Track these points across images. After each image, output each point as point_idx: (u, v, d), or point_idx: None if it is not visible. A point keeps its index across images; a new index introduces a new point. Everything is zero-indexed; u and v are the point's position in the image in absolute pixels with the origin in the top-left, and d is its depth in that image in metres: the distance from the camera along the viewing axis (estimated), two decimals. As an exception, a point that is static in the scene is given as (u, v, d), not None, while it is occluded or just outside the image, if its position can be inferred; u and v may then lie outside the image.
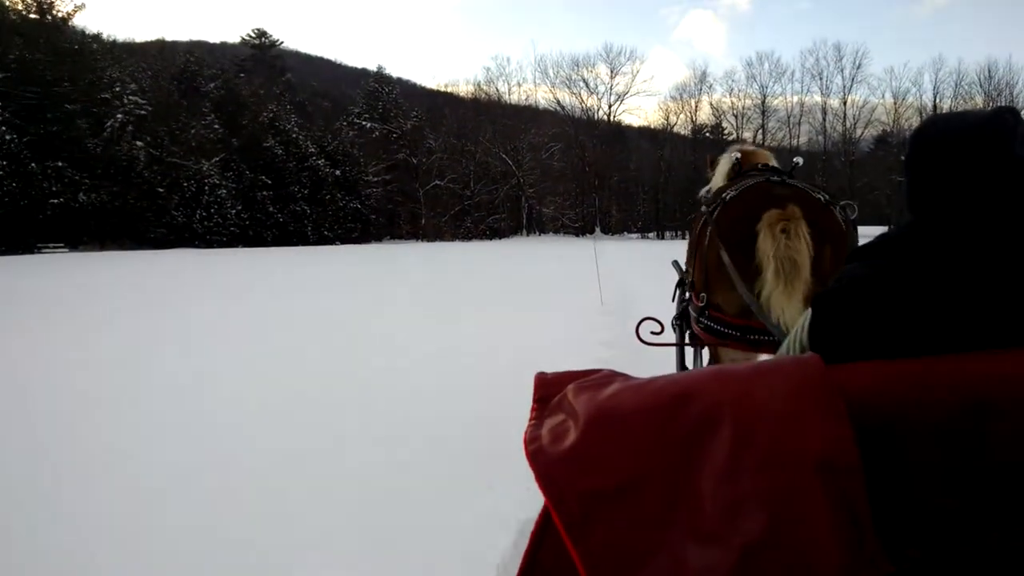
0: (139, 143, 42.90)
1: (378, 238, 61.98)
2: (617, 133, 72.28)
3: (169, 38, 60.81)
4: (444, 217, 64.03)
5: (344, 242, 53.66)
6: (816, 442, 0.93)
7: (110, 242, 41.56)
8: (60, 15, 43.62)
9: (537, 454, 1.06)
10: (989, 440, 0.96)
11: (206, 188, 45.67)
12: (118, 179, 41.48)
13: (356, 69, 77.77)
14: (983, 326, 1.06)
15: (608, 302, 11.42)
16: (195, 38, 78.07)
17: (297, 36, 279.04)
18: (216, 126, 47.93)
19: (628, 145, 73.10)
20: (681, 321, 3.67)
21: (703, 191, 4.06)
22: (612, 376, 1.18)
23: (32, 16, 41.88)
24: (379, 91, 68.62)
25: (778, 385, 1.00)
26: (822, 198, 2.94)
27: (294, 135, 52.93)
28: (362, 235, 57.25)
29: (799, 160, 3.49)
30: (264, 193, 49.50)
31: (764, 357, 1.81)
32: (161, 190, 43.52)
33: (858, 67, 66.78)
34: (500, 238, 62.72)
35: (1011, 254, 1.08)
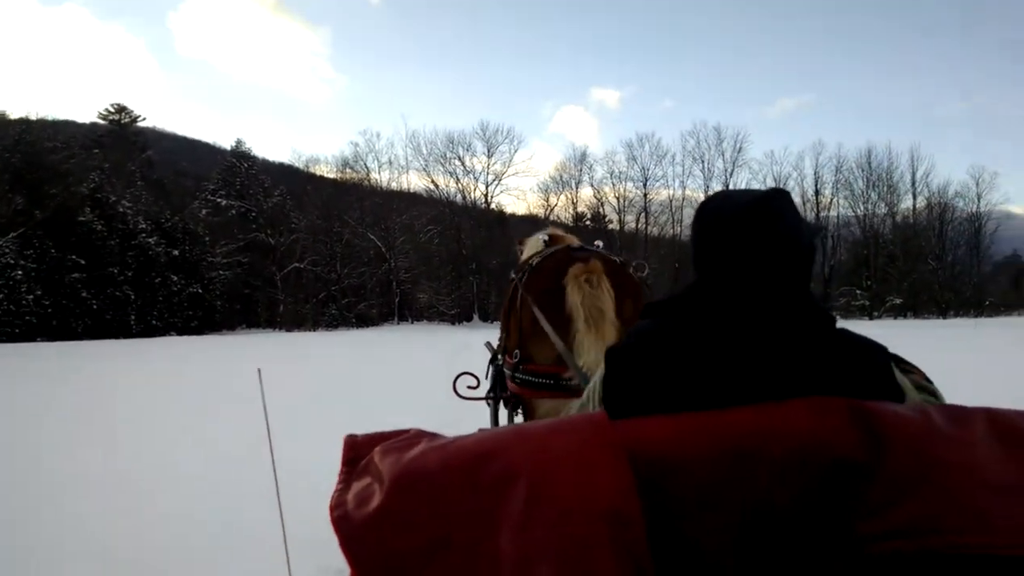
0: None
1: (230, 327, 55.30)
2: (497, 217, 68.15)
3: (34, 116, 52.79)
4: (308, 303, 57.80)
5: (181, 332, 46.73)
6: (602, 496, 0.97)
7: None
8: None
9: (342, 519, 1.06)
10: (757, 489, 1.03)
11: (-6, 269, 38.18)
12: None
13: (226, 149, 71.22)
14: (752, 382, 1.18)
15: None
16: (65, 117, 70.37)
17: (170, 118, 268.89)
18: (10, 196, 40.45)
19: (509, 230, 69.05)
20: (495, 391, 3.76)
21: (513, 272, 4.03)
22: (419, 436, 1.19)
23: None
24: (237, 167, 62.71)
25: (569, 441, 1.05)
26: (618, 260, 3.27)
27: (120, 209, 46.07)
28: (204, 324, 50.28)
29: (599, 243, 3.82)
30: (75, 275, 42.21)
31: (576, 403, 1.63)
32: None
33: (739, 151, 65.06)
34: (369, 326, 56.90)
35: (774, 319, 1.23)
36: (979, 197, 62.54)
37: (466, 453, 1.07)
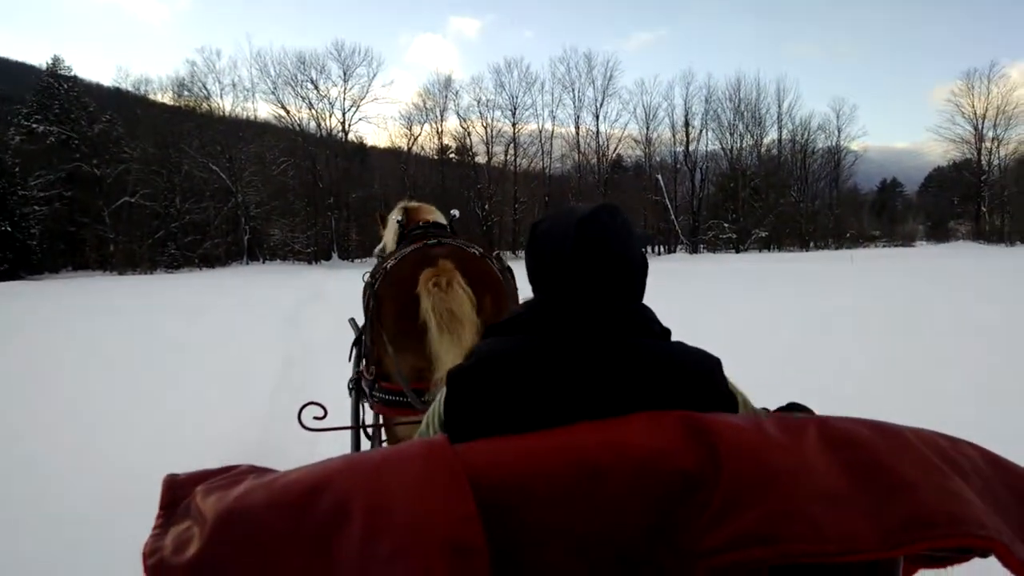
0: None
1: (53, 269, 48.90)
2: (357, 148, 63.40)
3: None
4: (144, 243, 51.76)
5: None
6: (443, 525, 0.93)
7: None
8: None
9: (157, 568, 0.98)
10: (604, 508, 1.02)
11: None
12: None
13: (43, 69, 61.68)
14: (590, 399, 1.19)
15: None
16: None
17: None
18: None
19: (370, 163, 64.50)
20: (358, 385, 3.57)
21: (377, 249, 4.28)
22: (247, 472, 1.12)
23: None
24: (55, 88, 54.96)
25: (407, 470, 1.01)
26: (476, 252, 3.17)
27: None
28: (18, 266, 43.85)
29: (455, 212, 3.90)
30: None
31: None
32: None
33: (610, 79, 62.82)
34: (216, 266, 51.74)
35: (607, 336, 1.25)
36: (839, 130, 63.51)
37: (295, 488, 1.00)
